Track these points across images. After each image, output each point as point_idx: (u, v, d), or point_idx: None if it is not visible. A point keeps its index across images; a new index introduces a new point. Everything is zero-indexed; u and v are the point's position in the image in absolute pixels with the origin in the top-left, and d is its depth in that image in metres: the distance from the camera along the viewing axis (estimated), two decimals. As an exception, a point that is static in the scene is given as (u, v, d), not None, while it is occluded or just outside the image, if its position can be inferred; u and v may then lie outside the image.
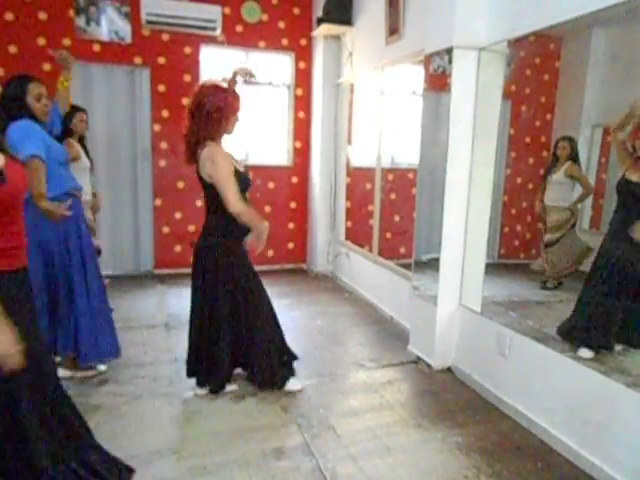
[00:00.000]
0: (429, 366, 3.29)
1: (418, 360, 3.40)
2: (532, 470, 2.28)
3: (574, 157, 4.15)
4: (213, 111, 2.49)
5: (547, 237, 4.29)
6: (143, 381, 3.01)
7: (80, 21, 4.72)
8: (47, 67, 4.68)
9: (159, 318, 4.04)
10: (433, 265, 3.24)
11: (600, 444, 2.23)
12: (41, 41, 4.66)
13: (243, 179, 2.62)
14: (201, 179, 2.58)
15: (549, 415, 2.51)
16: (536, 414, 2.59)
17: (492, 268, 3.97)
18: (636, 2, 2.14)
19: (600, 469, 2.20)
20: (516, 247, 5.17)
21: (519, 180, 5.07)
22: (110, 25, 4.79)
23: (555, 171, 4.19)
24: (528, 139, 5.00)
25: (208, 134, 2.52)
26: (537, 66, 4.82)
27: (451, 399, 2.93)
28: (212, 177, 2.49)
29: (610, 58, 4.16)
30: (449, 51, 2.99)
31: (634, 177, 2.75)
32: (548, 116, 4.89)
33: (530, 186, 5.07)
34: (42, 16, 4.63)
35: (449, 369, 3.28)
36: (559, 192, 4.19)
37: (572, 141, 4.17)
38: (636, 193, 2.72)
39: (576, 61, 4.47)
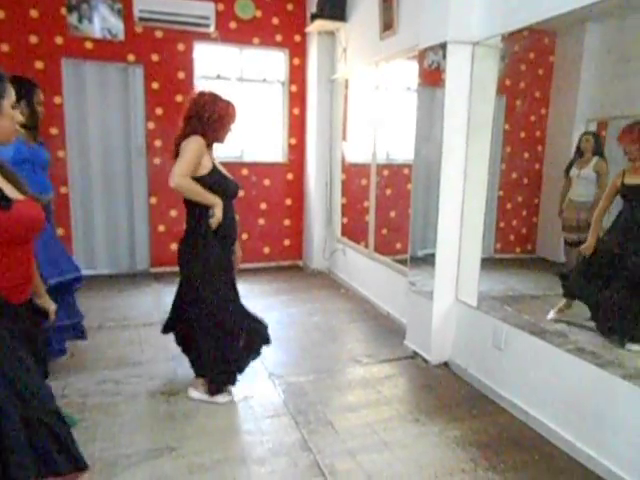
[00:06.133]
0: (426, 361, 3.30)
1: (415, 355, 3.41)
2: (529, 462, 2.29)
3: (600, 152, 4.12)
4: (214, 119, 2.49)
5: (584, 237, 4.19)
6: (140, 379, 3.01)
7: (72, 18, 4.68)
8: (39, 65, 4.66)
9: (155, 316, 4.03)
10: (429, 260, 3.25)
11: (596, 436, 2.25)
12: (33, 39, 4.62)
13: (226, 184, 2.60)
14: None
15: (545, 408, 2.53)
16: (532, 407, 2.60)
17: (488, 263, 3.97)
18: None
19: (596, 461, 2.22)
20: (512, 242, 5.18)
21: (514, 175, 5.08)
22: (102, 22, 4.75)
23: (581, 166, 4.15)
24: (523, 134, 5.01)
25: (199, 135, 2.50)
26: (531, 61, 4.82)
27: (448, 393, 2.94)
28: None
29: (604, 52, 4.17)
30: (443, 46, 2.99)
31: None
32: (543, 111, 4.89)
33: (525, 181, 5.09)
34: (34, 14, 4.59)
35: (446, 364, 3.29)
36: (586, 188, 4.15)
37: (596, 136, 4.14)
38: None
39: (570, 56, 4.48)
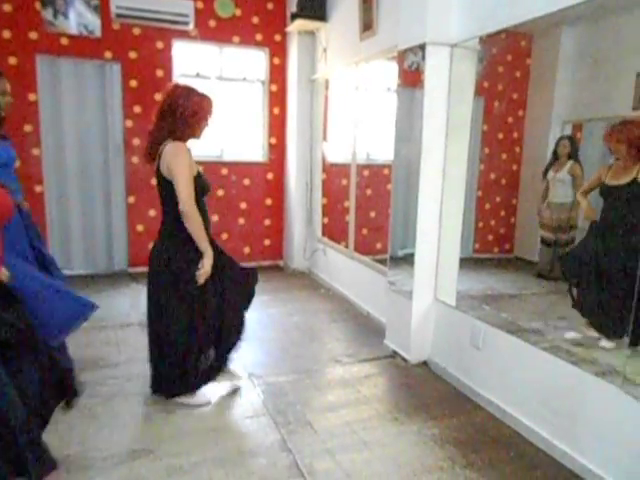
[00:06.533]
0: (405, 360, 3.32)
1: (394, 354, 3.43)
2: (505, 460, 2.32)
3: (575, 156, 4.19)
4: (188, 115, 2.43)
5: (561, 237, 4.26)
6: (117, 381, 2.96)
7: (47, 14, 4.58)
8: (13, 61, 4.56)
9: (133, 317, 3.98)
10: (409, 260, 3.26)
11: (570, 433, 2.29)
12: (6, 34, 4.51)
13: (205, 183, 2.57)
14: (159, 178, 2.48)
15: (522, 405, 2.56)
16: (509, 405, 2.64)
17: (467, 263, 4.01)
18: (599, 1, 2.18)
19: (571, 457, 2.26)
20: (490, 242, 5.24)
21: (493, 176, 5.14)
22: (79, 18, 4.66)
23: (557, 169, 4.22)
24: (501, 135, 5.08)
25: (176, 136, 2.45)
26: (509, 63, 4.89)
27: (427, 392, 2.96)
28: (171, 170, 2.39)
29: (578, 55, 4.25)
30: (422, 47, 3.01)
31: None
32: (520, 112, 4.97)
33: (503, 181, 5.16)
34: (7, 8, 4.48)
35: (425, 363, 3.31)
36: (562, 190, 4.23)
37: (572, 140, 4.22)
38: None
39: (546, 58, 4.56)
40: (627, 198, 2.84)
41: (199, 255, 2.52)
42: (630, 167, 2.84)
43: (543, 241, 4.42)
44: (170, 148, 2.43)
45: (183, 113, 2.42)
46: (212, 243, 2.60)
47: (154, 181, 2.55)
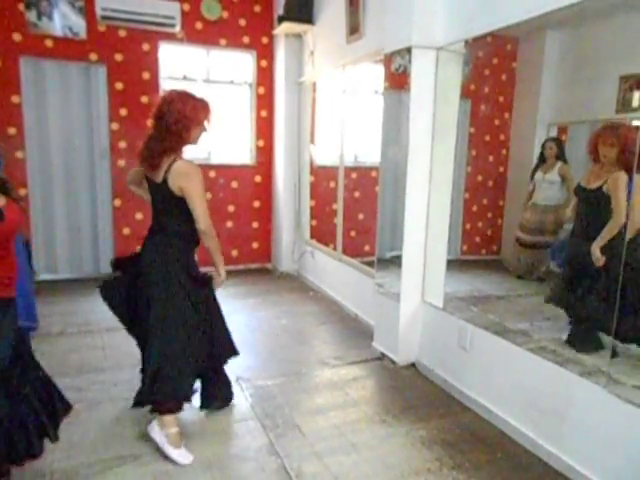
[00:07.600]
0: (393, 362, 3.33)
1: (382, 356, 3.43)
2: (492, 460, 2.34)
3: (562, 157, 4.19)
4: (170, 123, 2.34)
5: (540, 239, 4.27)
6: (103, 386, 2.93)
7: (31, 15, 4.53)
8: (-3, 63, 4.51)
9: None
10: (396, 262, 3.27)
11: (556, 433, 2.30)
12: (-11, 36, 4.47)
13: None
14: (165, 192, 2.36)
15: (508, 406, 2.58)
16: (496, 406, 2.65)
17: (454, 264, 4.03)
18: (582, 5, 2.20)
19: (556, 457, 2.28)
20: (478, 243, 5.28)
21: (480, 178, 5.18)
22: (63, 20, 4.62)
23: (546, 171, 4.24)
24: (488, 137, 5.12)
25: (168, 145, 2.37)
26: (495, 66, 4.93)
27: (415, 394, 2.97)
28: (185, 190, 2.32)
29: (563, 59, 4.30)
30: (409, 50, 3.02)
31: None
32: (506, 115, 5.01)
33: (490, 183, 5.20)
34: (-10, 10, 4.44)
35: (413, 364, 3.32)
36: (551, 191, 4.24)
37: (558, 142, 4.25)
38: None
39: (532, 62, 4.60)
40: (591, 203, 2.85)
41: (190, 276, 2.43)
42: (603, 174, 2.79)
43: (520, 242, 4.44)
44: (181, 169, 2.33)
45: (167, 121, 2.35)
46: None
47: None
